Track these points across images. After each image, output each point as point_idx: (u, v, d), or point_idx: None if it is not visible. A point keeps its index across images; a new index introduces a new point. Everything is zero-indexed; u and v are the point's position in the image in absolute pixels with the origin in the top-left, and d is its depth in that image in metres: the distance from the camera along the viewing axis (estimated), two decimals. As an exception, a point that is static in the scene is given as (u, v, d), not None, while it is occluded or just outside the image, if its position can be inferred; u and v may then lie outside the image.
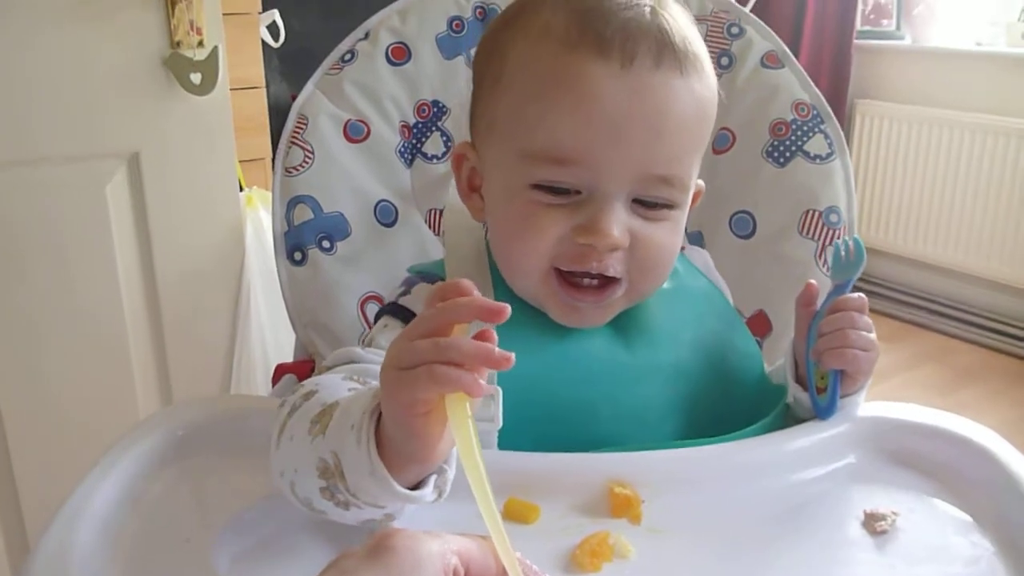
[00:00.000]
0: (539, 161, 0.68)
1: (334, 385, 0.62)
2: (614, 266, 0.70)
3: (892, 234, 3.22)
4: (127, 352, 1.45)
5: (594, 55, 0.65)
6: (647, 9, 0.68)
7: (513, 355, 0.47)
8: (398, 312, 0.76)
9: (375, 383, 0.63)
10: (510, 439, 0.67)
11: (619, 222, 0.68)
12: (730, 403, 0.76)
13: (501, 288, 0.76)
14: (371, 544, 0.42)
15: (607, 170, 0.67)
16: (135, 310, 1.45)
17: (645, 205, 0.70)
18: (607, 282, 0.71)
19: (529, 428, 0.68)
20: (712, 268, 0.88)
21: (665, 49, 0.66)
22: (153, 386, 1.50)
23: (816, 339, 0.72)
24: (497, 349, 0.48)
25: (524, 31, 0.70)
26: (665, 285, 0.78)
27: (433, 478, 0.54)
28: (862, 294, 0.72)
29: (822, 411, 0.72)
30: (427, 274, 0.80)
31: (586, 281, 0.71)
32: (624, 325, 0.76)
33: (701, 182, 0.78)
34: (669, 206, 0.71)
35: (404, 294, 0.78)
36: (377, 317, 0.78)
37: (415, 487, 0.54)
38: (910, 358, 2.81)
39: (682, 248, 0.89)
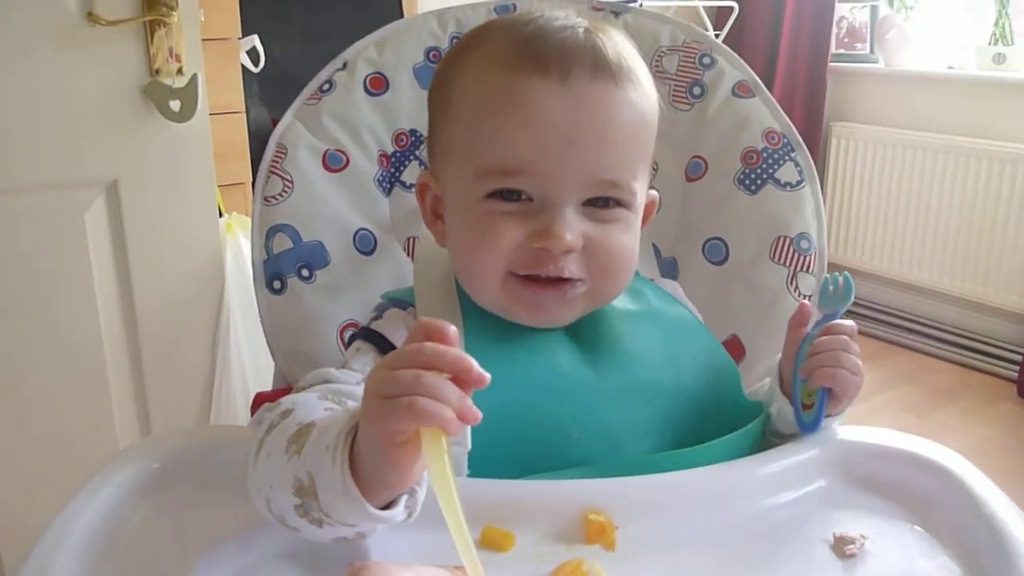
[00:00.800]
0: (492, 175, 0.72)
1: (310, 404, 0.63)
2: (570, 268, 0.72)
3: (868, 254, 3.25)
4: (106, 379, 1.45)
5: (534, 73, 0.70)
6: (581, 30, 0.72)
7: (488, 376, 0.49)
8: (370, 336, 0.78)
9: (351, 403, 0.65)
10: (481, 461, 0.68)
11: (572, 226, 0.71)
12: (707, 421, 0.77)
13: (468, 308, 0.78)
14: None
15: (556, 178, 0.71)
16: (114, 337, 1.45)
17: (596, 207, 0.73)
18: (565, 281, 0.74)
19: (500, 449, 0.69)
20: (683, 297, 0.91)
21: (600, 63, 0.71)
22: (132, 413, 1.50)
23: (805, 358, 0.74)
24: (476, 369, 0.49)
25: (469, 61, 0.75)
26: (634, 308, 0.81)
27: (404, 498, 0.56)
28: (853, 322, 0.75)
29: (806, 427, 0.74)
30: (398, 300, 0.83)
31: (544, 278, 0.73)
32: (593, 346, 0.78)
33: (654, 192, 0.82)
34: (620, 205, 0.74)
35: (376, 319, 0.80)
36: (349, 342, 0.80)
37: (386, 506, 0.55)
38: (887, 378, 2.83)
39: (652, 280, 0.91)
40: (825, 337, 0.74)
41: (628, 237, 0.76)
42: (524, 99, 0.70)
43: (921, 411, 2.63)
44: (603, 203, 0.73)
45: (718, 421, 0.77)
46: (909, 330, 3.11)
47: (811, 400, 0.74)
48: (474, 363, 0.50)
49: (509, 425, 0.71)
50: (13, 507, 1.37)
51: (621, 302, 0.81)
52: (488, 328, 0.76)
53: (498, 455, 0.69)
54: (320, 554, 0.61)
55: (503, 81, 0.71)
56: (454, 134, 0.76)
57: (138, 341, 1.47)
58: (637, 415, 0.76)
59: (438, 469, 0.46)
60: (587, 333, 0.78)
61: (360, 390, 0.69)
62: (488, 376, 0.50)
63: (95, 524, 0.64)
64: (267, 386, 1.10)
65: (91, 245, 1.39)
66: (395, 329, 0.78)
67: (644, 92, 0.74)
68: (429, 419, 0.48)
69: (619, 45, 0.74)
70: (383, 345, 0.77)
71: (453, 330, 0.50)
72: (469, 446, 0.65)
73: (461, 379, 0.50)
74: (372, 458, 0.52)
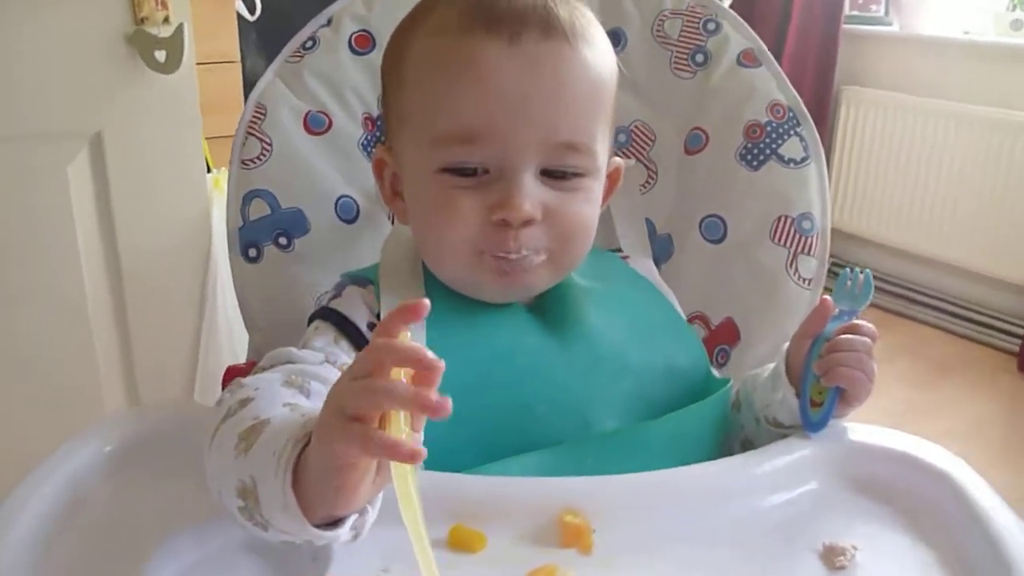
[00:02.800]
0: (445, 143, 0.71)
1: (271, 395, 0.61)
2: (531, 242, 0.72)
3: (874, 222, 3.20)
4: (90, 334, 1.42)
5: (484, 36, 0.69)
6: None
7: (450, 403, 0.46)
8: (329, 315, 0.76)
9: (315, 384, 0.64)
10: (445, 443, 0.64)
11: (530, 196, 0.70)
12: (675, 402, 0.76)
13: (433, 285, 0.77)
14: None
15: (511, 143, 0.69)
16: (98, 291, 1.42)
17: (554, 176, 0.72)
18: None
19: (464, 430, 0.66)
20: (656, 275, 0.90)
21: (552, 22, 0.70)
22: (117, 368, 1.48)
23: (821, 354, 0.71)
24: (435, 399, 0.46)
25: (420, 29, 0.74)
26: (600, 285, 0.80)
27: (352, 518, 0.53)
28: (874, 327, 0.72)
29: (812, 425, 0.71)
30: (358, 277, 0.81)
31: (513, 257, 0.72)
32: (558, 323, 0.76)
33: (619, 159, 0.81)
34: (579, 174, 0.73)
35: (334, 297, 0.79)
36: (309, 321, 0.78)
37: (332, 524, 0.52)
38: (888, 350, 2.79)
39: (625, 256, 0.89)
40: (848, 336, 0.71)
41: (588, 207, 0.75)
42: (475, 61, 0.69)
43: (921, 384, 2.60)
44: (562, 174, 0.72)
45: (686, 399, 0.77)
46: (911, 300, 3.07)
47: (821, 398, 0.71)
48: (427, 353, 0.46)
49: (474, 403, 0.68)
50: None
51: (587, 280, 0.80)
52: (453, 306, 0.75)
53: (463, 434, 0.66)
54: (281, 545, 0.58)
55: (453, 44, 0.70)
56: (405, 104, 0.75)
57: (123, 296, 1.45)
58: (604, 391, 0.75)
59: (404, 498, 0.44)
60: (551, 310, 0.77)
61: (323, 370, 0.67)
62: (441, 363, 0.47)
63: (54, 500, 0.63)
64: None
65: (74, 199, 1.36)
66: (354, 307, 0.76)
67: (600, 51, 0.73)
68: (384, 452, 0.45)
69: (572, 6, 0.72)
70: (342, 324, 0.75)
71: (422, 305, 0.47)
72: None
73: (421, 374, 0.47)
74: (317, 475, 0.49)
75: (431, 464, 0.65)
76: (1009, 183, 2.80)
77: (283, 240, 0.93)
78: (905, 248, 3.13)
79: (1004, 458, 2.22)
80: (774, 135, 0.96)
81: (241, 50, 2.15)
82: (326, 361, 0.70)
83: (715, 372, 0.85)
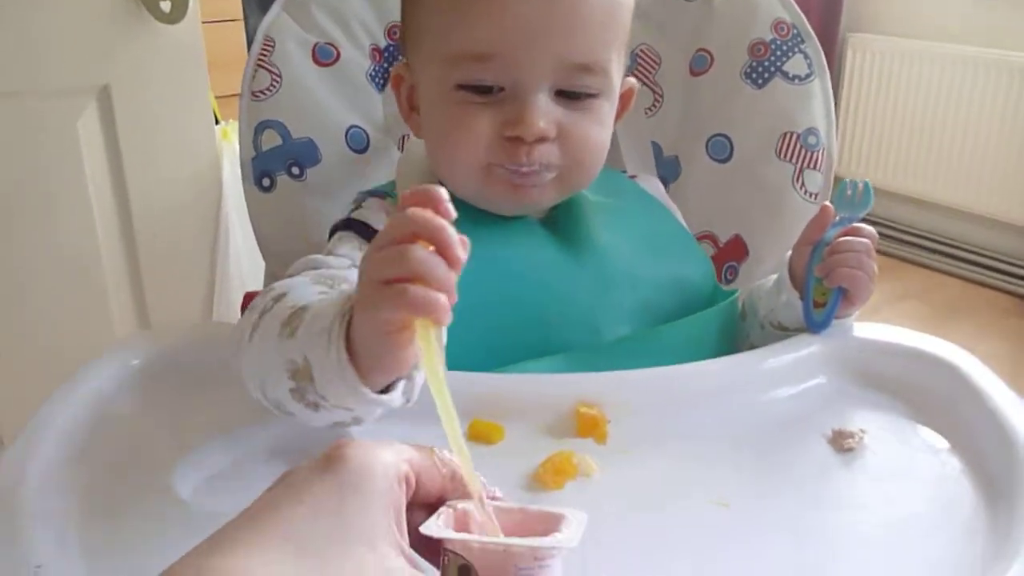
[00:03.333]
0: (461, 61, 0.71)
1: (303, 287, 0.62)
2: (543, 158, 0.72)
3: (881, 168, 3.19)
4: (104, 287, 1.44)
5: None
6: None
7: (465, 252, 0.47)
8: (351, 226, 0.77)
9: (345, 286, 0.65)
10: (459, 351, 0.66)
11: (544, 113, 0.71)
12: (683, 312, 0.78)
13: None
14: (323, 456, 0.41)
15: (526, 63, 0.70)
16: (111, 245, 1.43)
17: (568, 96, 0.73)
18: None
19: (479, 339, 0.68)
20: (663, 192, 0.91)
21: None
22: (131, 321, 1.49)
23: (823, 258, 0.73)
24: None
25: None
26: (609, 201, 0.82)
27: (402, 383, 0.54)
28: (873, 229, 0.74)
29: (816, 325, 0.73)
30: (376, 191, 0.82)
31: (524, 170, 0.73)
32: (569, 237, 0.78)
33: (632, 80, 0.82)
34: (592, 95, 0.74)
35: (355, 209, 0.80)
36: (331, 234, 0.79)
37: (384, 391, 0.53)
38: (895, 293, 2.81)
39: (633, 176, 0.90)
40: (848, 239, 0.73)
41: (600, 128, 0.76)
42: None
43: (928, 327, 2.58)
44: (575, 94, 0.73)
45: (694, 310, 0.78)
46: (917, 246, 3.07)
47: (824, 299, 0.73)
48: (455, 238, 0.47)
49: (489, 314, 0.70)
50: (13, 420, 1.38)
51: (597, 195, 0.82)
52: (466, 218, 0.75)
53: (477, 344, 0.68)
54: (305, 451, 0.59)
55: None
56: (425, 20, 0.75)
57: (136, 249, 1.46)
58: (615, 301, 0.77)
59: (429, 361, 0.44)
60: (563, 225, 0.79)
61: (351, 274, 0.68)
62: (466, 239, 0.48)
63: (82, 413, 0.64)
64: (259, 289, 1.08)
65: (85, 153, 1.36)
66: (375, 216, 0.77)
67: None
68: (421, 310, 0.45)
69: None
70: (365, 232, 0.76)
71: (441, 192, 0.47)
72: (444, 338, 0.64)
73: (443, 249, 0.47)
74: (367, 343, 0.50)
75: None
76: (1016, 126, 2.78)
77: (295, 169, 0.94)
78: (913, 194, 3.12)
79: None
80: (778, 52, 0.96)
81: (244, 9, 2.15)
82: (352, 266, 0.71)
83: (723, 287, 0.86)
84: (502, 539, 0.41)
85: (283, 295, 0.61)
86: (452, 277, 0.46)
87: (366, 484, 0.40)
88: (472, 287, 0.63)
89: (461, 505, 0.43)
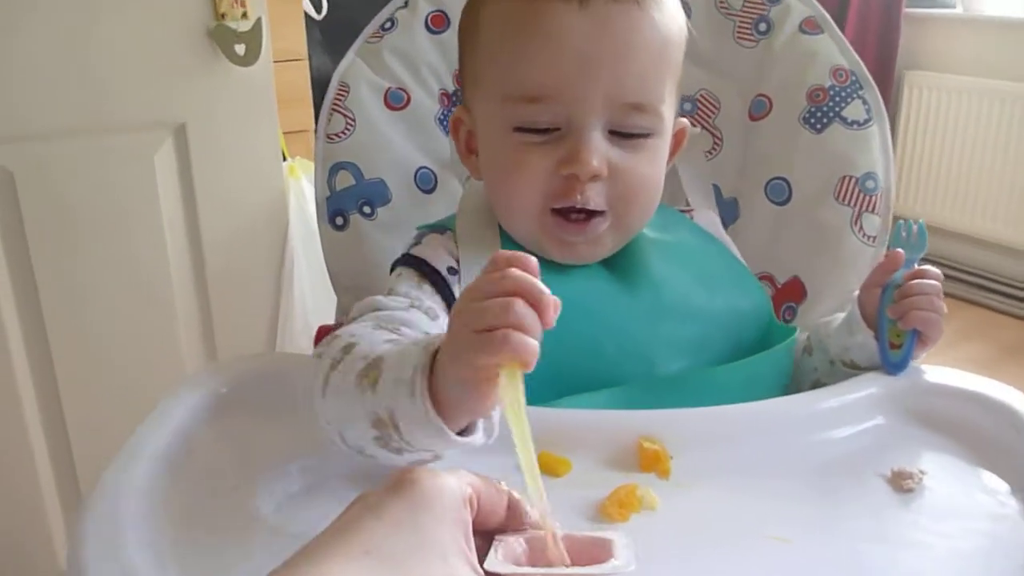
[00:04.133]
0: (517, 102, 0.74)
1: (370, 337, 0.65)
2: (595, 199, 0.75)
3: (939, 207, 3.16)
4: (175, 318, 1.49)
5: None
6: None
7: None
8: (411, 262, 0.80)
9: (405, 330, 0.68)
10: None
11: (597, 151, 0.73)
12: (740, 347, 0.80)
13: (506, 240, 0.81)
14: (393, 478, 0.45)
15: (579, 102, 0.72)
16: (182, 276, 1.48)
17: (621, 136, 0.75)
18: (592, 215, 0.76)
19: (537, 370, 0.70)
20: (719, 227, 0.93)
21: None
22: (199, 349, 1.54)
23: (893, 300, 0.75)
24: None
25: None
26: (666, 237, 0.83)
27: (482, 423, 0.57)
28: (938, 271, 0.75)
29: (894, 367, 0.75)
30: (435, 226, 0.85)
31: (573, 216, 0.76)
32: (625, 270, 0.80)
33: (684, 120, 0.83)
34: (645, 135, 0.76)
35: (415, 244, 0.83)
36: (392, 269, 0.82)
37: (464, 431, 0.56)
38: (954, 334, 2.77)
39: (690, 210, 0.92)
40: (919, 281, 0.74)
41: (653, 168, 0.77)
42: (544, 22, 0.72)
43: (988, 367, 2.57)
44: (628, 133, 0.75)
45: (751, 346, 0.80)
46: (977, 285, 3.03)
47: (899, 340, 0.75)
48: (552, 301, 0.50)
49: (547, 346, 0.72)
50: (86, 435, 1.44)
51: (653, 232, 0.83)
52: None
53: (533, 376, 0.70)
54: (375, 474, 0.62)
55: (524, 7, 0.73)
56: (480, 64, 0.78)
57: (205, 280, 1.51)
58: (671, 336, 0.78)
59: (514, 404, 0.47)
60: (620, 261, 0.81)
61: (411, 315, 0.71)
62: (559, 302, 0.51)
63: (166, 445, 0.67)
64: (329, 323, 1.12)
65: (160, 186, 1.42)
66: (435, 253, 0.80)
67: (669, 14, 0.75)
68: (521, 354, 0.48)
69: None
70: (424, 269, 0.78)
71: (534, 261, 0.50)
72: None
73: (540, 309, 0.50)
74: (455, 390, 0.52)
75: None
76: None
77: (367, 209, 0.98)
78: (970, 233, 3.09)
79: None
80: (837, 99, 0.98)
81: (308, 49, 2.21)
82: (412, 306, 0.74)
83: (780, 323, 0.88)
84: (565, 570, 0.44)
85: (352, 345, 0.63)
86: (541, 330, 0.49)
87: (436, 503, 0.43)
88: None
89: (512, 538, 0.46)
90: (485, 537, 0.47)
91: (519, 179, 0.75)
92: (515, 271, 0.50)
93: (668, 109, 0.77)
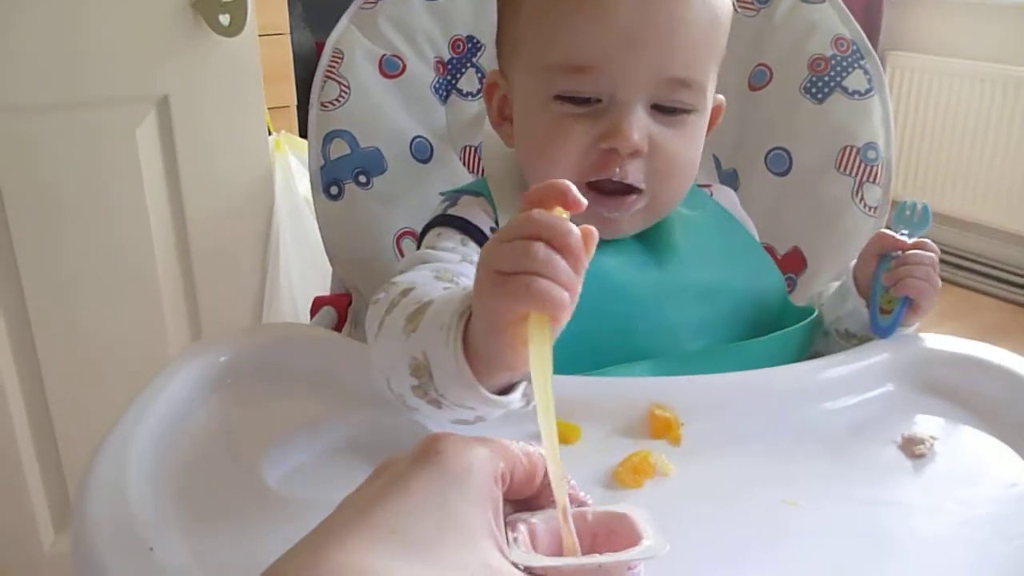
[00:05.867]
0: (559, 71, 0.72)
1: (428, 283, 0.64)
2: (634, 174, 0.73)
3: (920, 188, 3.18)
4: (158, 292, 1.46)
5: None
6: None
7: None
8: (451, 221, 0.78)
9: (464, 279, 0.66)
10: (555, 357, 0.67)
11: (639, 127, 0.71)
12: (756, 325, 0.79)
13: None
14: (419, 448, 0.42)
15: (624, 75, 0.71)
16: (166, 251, 1.46)
17: (664, 111, 0.73)
18: (629, 190, 0.74)
19: (570, 342, 0.68)
20: (738, 206, 0.92)
21: None
22: (184, 325, 1.52)
23: (888, 268, 0.75)
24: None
25: None
26: (692, 214, 0.83)
27: (523, 385, 0.54)
28: (935, 245, 0.76)
29: (882, 330, 0.76)
30: (468, 190, 0.83)
31: (610, 187, 0.74)
32: (655, 246, 0.79)
33: (721, 97, 0.81)
34: (687, 110, 0.74)
35: (451, 206, 0.80)
36: (424, 232, 0.80)
37: (504, 392, 0.54)
38: (936, 313, 2.75)
39: (709, 186, 0.91)
40: (917, 252, 0.74)
41: (692, 146, 0.76)
42: None
43: (969, 346, 2.59)
44: (673, 107, 0.73)
45: (769, 323, 0.80)
46: (957, 266, 3.06)
47: (890, 307, 0.75)
48: (580, 243, 0.46)
49: (579, 320, 0.70)
50: (69, 420, 1.41)
51: (683, 209, 0.82)
52: None
53: (568, 350, 0.68)
54: (384, 444, 0.61)
55: None
56: (520, 29, 0.76)
57: (190, 255, 1.49)
58: (696, 313, 0.78)
59: (540, 358, 0.44)
60: (651, 235, 0.79)
61: (464, 268, 0.70)
62: (591, 248, 0.47)
63: (166, 415, 0.66)
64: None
65: (143, 160, 1.39)
66: (474, 213, 0.78)
67: None
68: (545, 302, 0.45)
69: None
70: (466, 228, 0.77)
71: (567, 185, 0.46)
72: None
73: (567, 252, 0.46)
74: (487, 338, 0.50)
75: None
76: (1058, 146, 2.77)
77: (362, 178, 0.96)
78: (951, 213, 3.11)
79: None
80: (839, 68, 0.98)
81: (290, 23, 2.18)
82: (463, 260, 0.72)
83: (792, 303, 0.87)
84: (596, 557, 0.41)
85: (410, 289, 0.61)
86: (576, 279, 0.46)
87: (467, 480, 0.41)
88: None
89: (534, 519, 0.43)
90: (517, 506, 0.45)
91: (557, 149, 0.73)
92: (540, 212, 0.46)
93: (711, 86, 0.76)
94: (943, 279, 0.75)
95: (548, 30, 0.73)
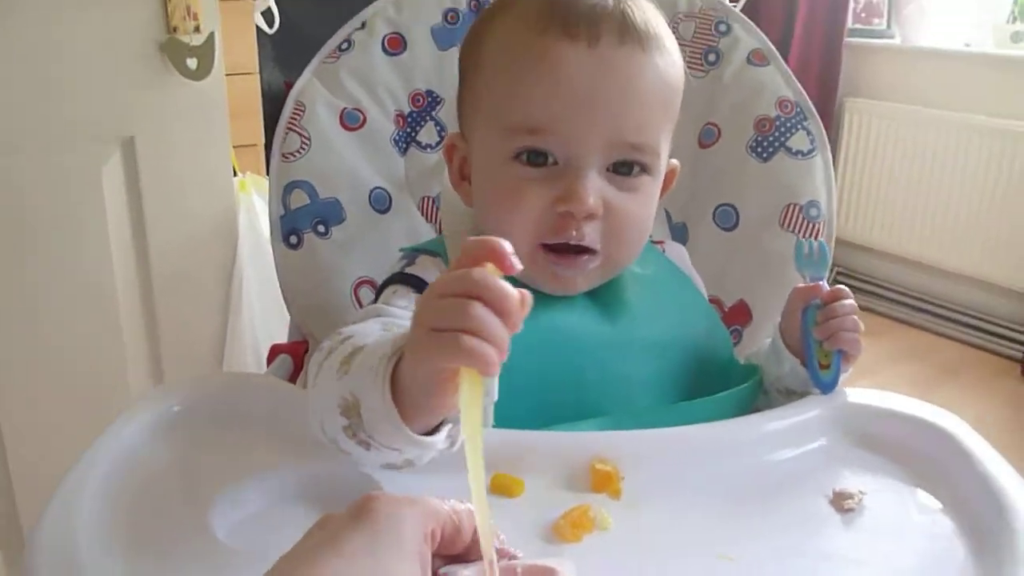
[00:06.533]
0: (517, 133, 0.74)
1: (367, 331, 0.66)
2: (590, 235, 0.75)
3: (878, 231, 3.26)
4: (120, 332, 1.47)
5: (563, 36, 0.72)
6: (610, 0, 0.74)
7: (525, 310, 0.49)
8: (407, 279, 0.80)
9: (398, 330, 0.66)
10: (505, 409, 0.70)
11: (594, 190, 0.74)
12: (702, 380, 0.81)
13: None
14: (354, 507, 0.44)
15: (580, 139, 0.73)
16: (129, 290, 1.47)
17: (618, 174, 0.76)
18: (583, 251, 0.76)
19: (523, 397, 0.71)
20: (688, 262, 0.94)
21: (628, 29, 0.73)
22: (144, 366, 1.52)
23: (815, 322, 0.78)
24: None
25: (500, 21, 0.77)
26: (644, 271, 0.84)
27: (448, 427, 0.57)
28: (848, 290, 0.79)
29: (827, 386, 0.78)
30: (426, 249, 0.84)
31: (565, 248, 0.76)
32: (606, 303, 0.81)
33: (675, 161, 0.84)
34: (642, 169, 0.76)
35: (409, 265, 0.82)
36: (381, 289, 0.82)
37: (430, 433, 0.56)
38: (893, 353, 2.85)
39: (661, 243, 0.94)
40: (840, 302, 0.77)
41: (645, 209, 0.78)
42: (552, 61, 0.72)
43: (925, 387, 2.65)
44: (627, 170, 0.76)
45: (715, 380, 0.82)
46: (916, 308, 3.12)
47: (827, 360, 0.78)
48: (516, 302, 0.48)
49: (532, 376, 0.73)
50: (28, 448, 1.41)
51: (634, 266, 0.84)
52: (511, 281, 0.78)
53: (521, 405, 0.71)
54: (335, 494, 0.63)
55: (533, 42, 0.73)
56: (482, 91, 0.78)
57: (152, 293, 1.49)
58: (646, 369, 0.80)
59: (468, 412, 0.46)
60: (603, 293, 0.81)
61: None
62: (528, 300, 0.49)
63: (115, 467, 0.66)
64: (278, 340, 1.12)
65: (108, 199, 1.40)
66: (431, 274, 0.80)
67: (671, 59, 0.77)
68: (475, 360, 0.47)
69: (647, 12, 0.76)
70: (420, 287, 0.78)
71: (505, 247, 0.48)
72: (495, 397, 0.67)
73: (502, 314, 0.48)
74: (412, 386, 0.52)
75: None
76: (1009, 192, 2.85)
77: (321, 228, 0.99)
78: (909, 256, 3.18)
79: (1007, 459, 2.26)
80: (783, 128, 1.02)
81: (259, 62, 2.20)
82: None
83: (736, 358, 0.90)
84: None
85: (349, 337, 0.64)
86: (507, 335, 0.48)
87: (396, 537, 0.43)
88: (517, 351, 0.67)
89: (464, 572, 0.45)
90: (448, 560, 0.47)
91: (514, 212, 0.75)
92: (477, 271, 0.48)
93: (664, 150, 0.78)
94: (902, 321, 0.78)
95: (506, 92, 0.75)
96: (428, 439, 0.56)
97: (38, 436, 1.40)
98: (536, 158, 0.74)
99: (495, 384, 0.66)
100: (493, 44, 0.77)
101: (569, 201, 0.73)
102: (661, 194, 0.82)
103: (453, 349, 0.47)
